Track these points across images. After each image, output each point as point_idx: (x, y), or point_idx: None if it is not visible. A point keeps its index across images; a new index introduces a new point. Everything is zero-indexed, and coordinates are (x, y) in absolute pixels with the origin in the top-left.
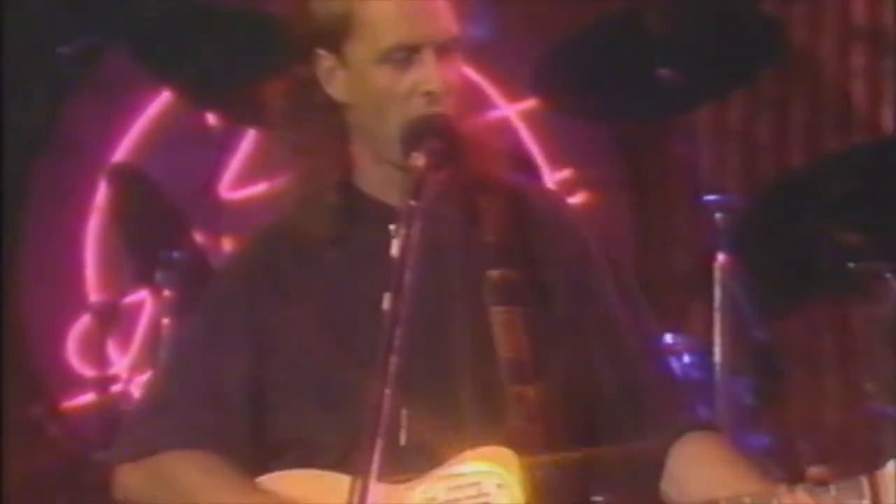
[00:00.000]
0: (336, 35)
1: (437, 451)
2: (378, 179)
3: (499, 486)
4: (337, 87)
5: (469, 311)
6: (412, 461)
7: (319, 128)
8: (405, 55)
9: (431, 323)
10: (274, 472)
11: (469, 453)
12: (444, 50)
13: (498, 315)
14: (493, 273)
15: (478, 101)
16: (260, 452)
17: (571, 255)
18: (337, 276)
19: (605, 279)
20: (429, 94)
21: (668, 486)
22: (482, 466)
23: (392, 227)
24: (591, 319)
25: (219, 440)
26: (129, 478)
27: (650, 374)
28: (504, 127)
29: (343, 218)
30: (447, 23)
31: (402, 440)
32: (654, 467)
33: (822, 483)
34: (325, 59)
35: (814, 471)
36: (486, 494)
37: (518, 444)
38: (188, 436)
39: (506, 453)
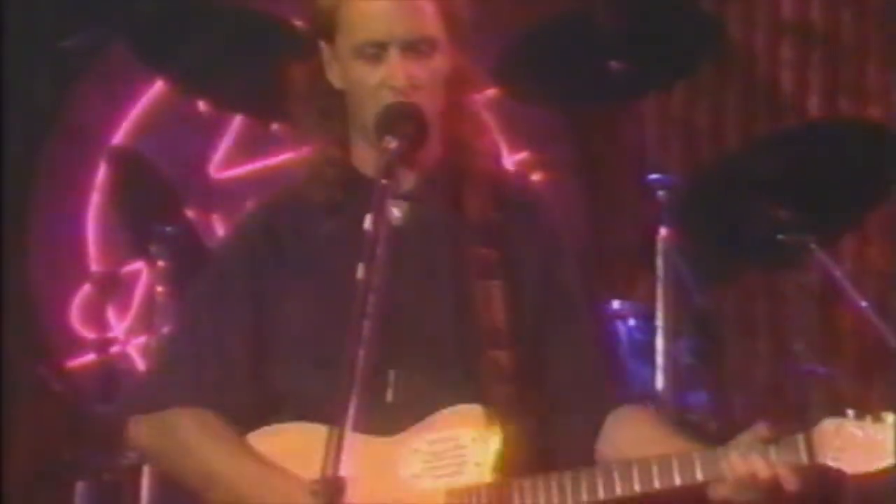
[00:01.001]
0: (328, 28)
1: (421, 408)
2: (369, 159)
3: (474, 439)
4: (332, 75)
5: (453, 283)
6: (399, 417)
7: (325, 110)
8: (375, 51)
9: (420, 293)
10: (270, 426)
11: (448, 410)
12: (411, 48)
13: (480, 288)
14: (477, 250)
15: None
16: (260, 407)
17: (539, 236)
18: (331, 244)
19: (566, 259)
20: (393, 88)
21: (603, 446)
22: (460, 422)
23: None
24: (552, 298)
25: (221, 396)
26: (140, 430)
27: (595, 353)
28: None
29: (339, 191)
30: (415, 23)
31: (390, 397)
32: (593, 429)
33: (767, 441)
34: (325, 50)
35: (759, 429)
36: (462, 447)
37: (492, 402)
38: (193, 393)
39: (480, 411)
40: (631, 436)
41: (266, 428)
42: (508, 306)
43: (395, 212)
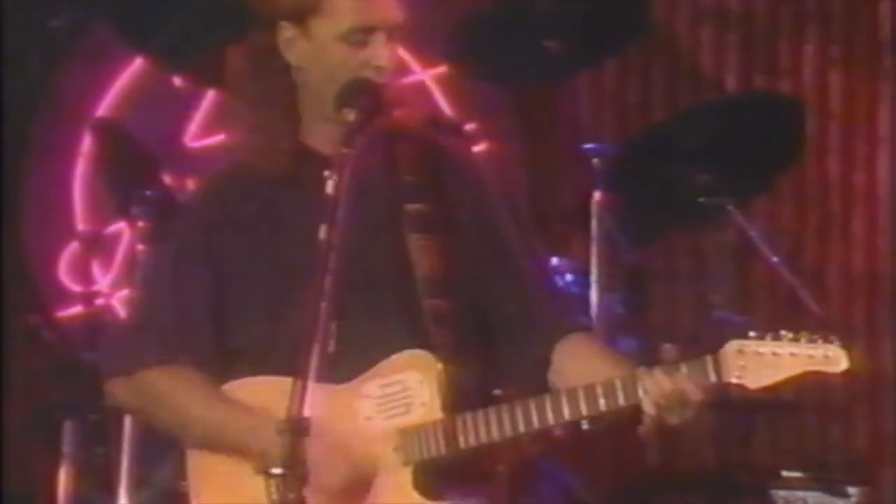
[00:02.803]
0: (302, 11)
1: (364, 357)
2: (318, 133)
3: (420, 382)
4: (296, 54)
5: (392, 238)
6: (341, 365)
7: (275, 87)
8: (362, 36)
9: (361, 249)
10: (234, 381)
11: (395, 356)
12: (391, 33)
13: (415, 241)
14: (412, 207)
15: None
16: (221, 361)
17: (475, 193)
18: (281, 211)
19: (502, 213)
20: (378, 68)
21: (553, 377)
22: (406, 366)
23: (326, 172)
24: (491, 246)
25: (188, 353)
26: (118, 390)
27: (537, 290)
28: (420, 89)
29: (289, 162)
30: (396, 11)
31: (331, 347)
32: (543, 363)
33: (676, 364)
34: (286, 30)
35: (666, 348)
36: (409, 389)
37: (435, 347)
38: (162, 352)
39: (424, 355)
40: (575, 366)
41: (231, 383)
42: (445, 257)
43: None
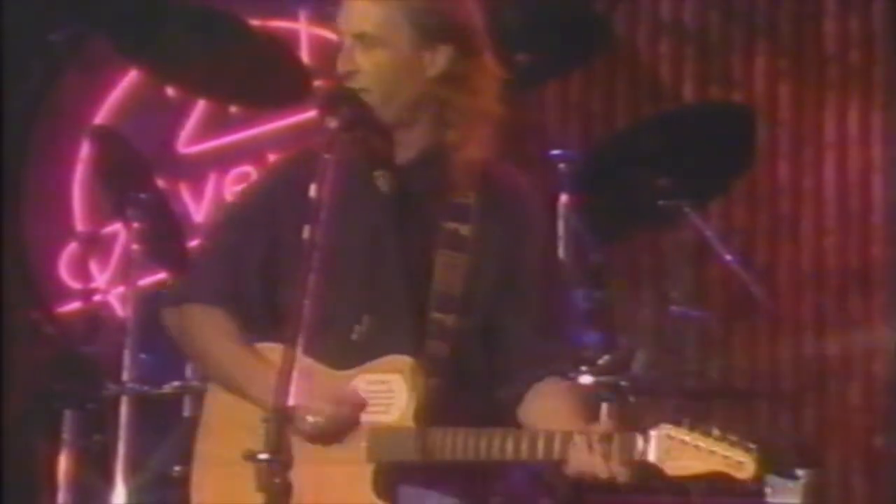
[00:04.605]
0: None
1: (375, 352)
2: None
3: (403, 387)
4: None
5: (424, 250)
6: (358, 356)
7: None
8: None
9: (396, 254)
10: (269, 342)
11: (388, 357)
12: (359, 40)
13: (442, 256)
14: (449, 225)
15: None
16: (268, 320)
17: (513, 226)
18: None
19: (534, 251)
20: (345, 73)
21: (521, 413)
22: (395, 369)
23: (377, 173)
24: (512, 280)
25: (231, 301)
26: (166, 318)
27: (537, 331)
28: None
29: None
30: (359, 20)
31: (354, 336)
32: (517, 399)
33: (610, 437)
34: None
35: (605, 426)
36: (391, 392)
37: (427, 357)
38: (207, 294)
39: (412, 363)
40: (538, 409)
41: (265, 344)
42: (465, 278)
43: (382, 184)
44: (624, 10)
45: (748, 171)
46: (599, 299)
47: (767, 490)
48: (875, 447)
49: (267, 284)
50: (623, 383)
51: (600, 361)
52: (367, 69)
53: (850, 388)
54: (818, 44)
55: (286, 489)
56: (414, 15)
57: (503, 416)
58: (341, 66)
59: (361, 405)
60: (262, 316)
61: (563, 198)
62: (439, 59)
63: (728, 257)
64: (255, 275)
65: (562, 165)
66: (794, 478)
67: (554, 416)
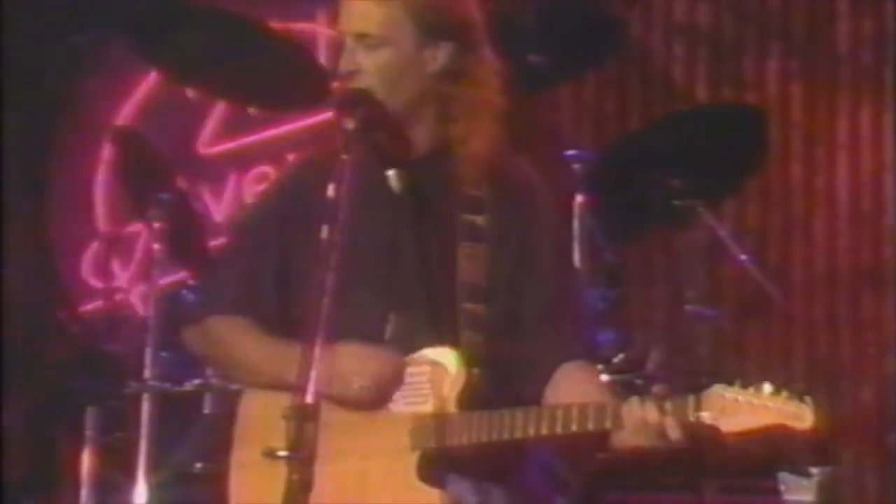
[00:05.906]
0: None
1: (410, 347)
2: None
3: (443, 377)
4: None
5: (444, 244)
6: (394, 352)
7: None
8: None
9: (416, 252)
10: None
11: (428, 350)
12: (361, 40)
13: (464, 248)
14: (467, 217)
15: None
16: (285, 326)
17: (527, 215)
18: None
19: (547, 241)
20: (346, 74)
21: (548, 393)
22: (434, 361)
23: (389, 172)
24: (527, 267)
25: (250, 310)
26: (188, 336)
27: (557, 317)
28: None
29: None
30: (359, 20)
31: (388, 335)
32: (546, 379)
33: (662, 398)
34: None
35: (657, 389)
36: (432, 382)
37: (464, 348)
38: (227, 306)
39: (451, 353)
40: (568, 387)
41: None
42: (487, 266)
43: (394, 181)
44: (638, 12)
45: (761, 171)
46: (614, 298)
47: (782, 487)
48: (887, 445)
49: (282, 291)
50: (638, 381)
51: (615, 360)
52: (369, 69)
53: (863, 386)
54: (830, 45)
55: (305, 486)
56: (416, 14)
57: (536, 402)
58: (344, 67)
59: (402, 376)
60: (279, 323)
61: (578, 198)
62: (440, 56)
63: (741, 257)
64: (271, 283)
65: (576, 166)
66: (809, 475)
67: (583, 394)
